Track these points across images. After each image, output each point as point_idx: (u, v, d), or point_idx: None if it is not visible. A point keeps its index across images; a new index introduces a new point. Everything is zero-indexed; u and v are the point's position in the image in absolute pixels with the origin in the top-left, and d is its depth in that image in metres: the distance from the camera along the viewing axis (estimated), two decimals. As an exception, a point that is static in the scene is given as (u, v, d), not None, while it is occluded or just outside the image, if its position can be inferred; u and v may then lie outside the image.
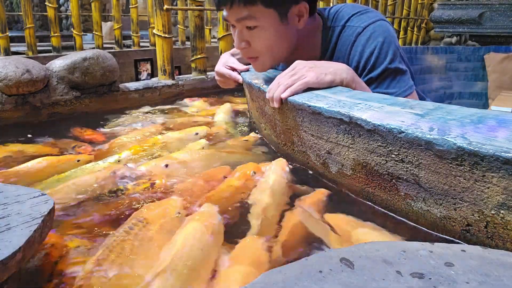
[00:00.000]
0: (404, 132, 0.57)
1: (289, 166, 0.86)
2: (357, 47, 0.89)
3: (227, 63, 1.21)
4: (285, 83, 0.81)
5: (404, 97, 0.87)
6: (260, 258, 0.55)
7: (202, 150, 0.98)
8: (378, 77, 0.88)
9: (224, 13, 0.90)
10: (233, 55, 1.27)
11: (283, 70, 1.11)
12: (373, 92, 0.88)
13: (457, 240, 0.56)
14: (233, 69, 1.20)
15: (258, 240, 0.60)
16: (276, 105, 0.82)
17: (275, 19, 0.87)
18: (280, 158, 0.89)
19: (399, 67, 0.89)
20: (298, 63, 0.84)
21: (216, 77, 1.26)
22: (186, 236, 0.58)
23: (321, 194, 0.75)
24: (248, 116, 1.36)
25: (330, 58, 0.96)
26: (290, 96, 0.79)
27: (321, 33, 0.96)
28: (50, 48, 3.18)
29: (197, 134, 1.10)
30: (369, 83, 0.89)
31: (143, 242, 0.58)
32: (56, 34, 3.10)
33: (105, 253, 0.55)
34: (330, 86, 0.82)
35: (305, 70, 0.81)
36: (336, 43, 0.94)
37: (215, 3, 0.91)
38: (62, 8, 6.96)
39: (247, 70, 1.18)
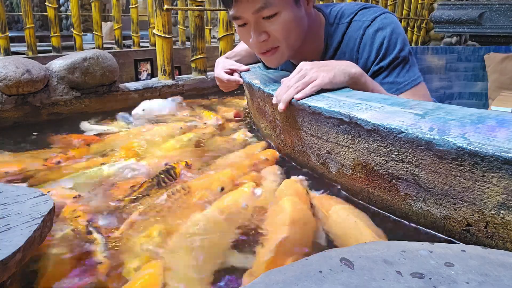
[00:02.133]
0: (404, 132, 0.57)
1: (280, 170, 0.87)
2: (366, 39, 0.89)
3: (225, 66, 1.21)
4: (295, 86, 0.78)
5: (413, 86, 0.88)
6: (298, 190, 0.74)
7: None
8: (389, 65, 0.88)
9: (233, 11, 0.86)
10: (228, 58, 1.27)
11: (283, 69, 1.11)
12: (384, 81, 0.89)
13: (457, 240, 0.57)
14: (233, 71, 1.20)
15: (296, 180, 0.79)
16: (282, 106, 0.79)
17: (291, 2, 0.85)
18: (273, 166, 0.90)
19: (408, 56, 0.89)
20: (304, 65, 0.82)
21: (217, 83, 1.25)
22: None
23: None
24: (248, 116, 1.37)
25: (334, 54, 0.96)
26: (304, 98, 0.77)
27: (323, 28, 0.96)
28: (50, 48, 3.18)
29: (181, 128, 1.16)
30: (380, 72, 0.89)
31: (182, 207, 0.71)
32: (56, 34, 3.10)
33: (148, 209, 0.68)
34: (342, 84, 0.80)
35: (314, 72, 0.79)
36: (342, 39, 0.94)
37: (224, 1, 0.87)
38: (62, 8, 6.95)
39: (248, 70, 1.18)
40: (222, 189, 0.77)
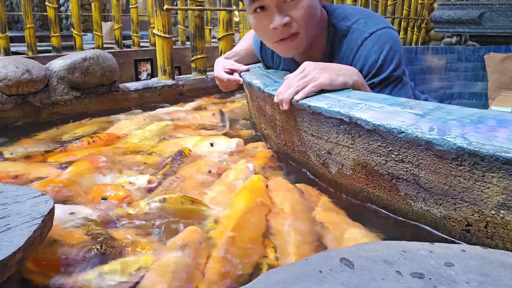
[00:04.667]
0: (404, 132, 0.57)
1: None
2: (362, 52, 0.89)
3: (225, 66, 1.21)
4: (295, 85, 0.79)
5: None
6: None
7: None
8: (380, 83, 0.88)
9: None
10: (227, 58, 1.27)
11: (283, 69, 1.11)
12: None
13: (457, 240, 0.57)
14: (233, 71, 1.20)
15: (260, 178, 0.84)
16: (285, 107, 0.80)
17: None
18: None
19: (402, 76, 0.89)
20: (307, 64, 0.82)
21: (217, 82, 1.25)
22: None
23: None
24: (248, 116, 1.36)
25: (332, 57, 0.96)
26: (303, 98, 0.77)
27: (327, 27, 0.96)
28: (50, 48, 3.17)
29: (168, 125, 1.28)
30: (370, 88, 0.89)
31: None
32: (56, 34, 3.10)
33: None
34: (342, 88, 0.80)
35: (316, 72, 0.79)
36: (341, 42, 0.94)
37: None
38: (62, 8, 6.95)
39: (247, 70, 1.18)
40: (209, 171, 0.88)
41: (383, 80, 0.88)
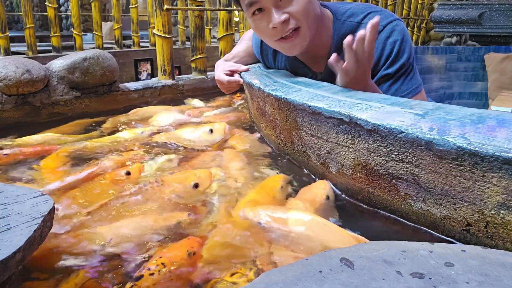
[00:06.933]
0: (404, 132, 0.57)
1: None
2: (378, 44, 0.91)
3: (225, 68, 1.21)
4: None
5: (415, 94, 0.91)
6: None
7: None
8: (395, 73, 0.91)
9: None
10: (226, 60, 1.27)
11: (284, 68, 1.11)
12: (389, 87, 0.91)
13: (457, 240, 0.57)
14: (233, 72, 1.20)
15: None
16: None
17: None
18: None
19: (413, 65, 0.93)
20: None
21: (218, 85, 1.25)
22: None
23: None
24: (248, 116, 1.37)
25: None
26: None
27: (332, 24, 0.97)
28: (50, 48, 3.18)
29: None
30: (386, 78, 0.91)
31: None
32: (56, 34, 3.10)
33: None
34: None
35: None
36: None
37: None
38: (62, 8, 6.95)
39: (247, 70, 1.18)
40: (196, 185, 0.77)
41: (398, 69, 0.91)
